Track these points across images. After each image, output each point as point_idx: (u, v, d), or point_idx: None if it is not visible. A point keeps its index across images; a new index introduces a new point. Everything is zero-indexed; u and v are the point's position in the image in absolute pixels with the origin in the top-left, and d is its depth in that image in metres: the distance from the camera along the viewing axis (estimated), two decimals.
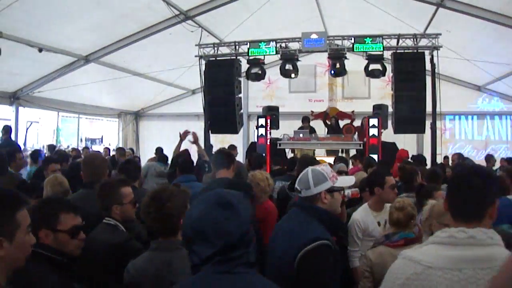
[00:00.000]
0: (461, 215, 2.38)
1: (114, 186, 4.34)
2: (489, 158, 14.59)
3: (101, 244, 3.85)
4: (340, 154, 15.07)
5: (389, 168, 8.92)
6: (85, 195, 5.05)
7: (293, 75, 16.00)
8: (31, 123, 18.55)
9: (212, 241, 2.18)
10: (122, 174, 6.23)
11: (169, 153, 11.10)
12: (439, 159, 14.34)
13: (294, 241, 3.36)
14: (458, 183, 2.50)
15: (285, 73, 15.84)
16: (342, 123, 16.82)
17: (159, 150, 14.30)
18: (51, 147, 15.82)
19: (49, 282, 3.00)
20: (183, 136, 9.95)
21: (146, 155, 19.32)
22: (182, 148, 9.85)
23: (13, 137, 14.13)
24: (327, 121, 17.26)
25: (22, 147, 14.39)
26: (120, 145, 21.80)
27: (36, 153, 11.79)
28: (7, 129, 13.15)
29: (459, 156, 14.22)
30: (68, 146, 19.34)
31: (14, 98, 16.37)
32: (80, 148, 17.22)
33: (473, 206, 2.37)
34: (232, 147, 13.48)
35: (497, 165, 14.08)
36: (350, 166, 11.89)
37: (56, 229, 3.17)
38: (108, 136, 25.22)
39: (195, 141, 9.67)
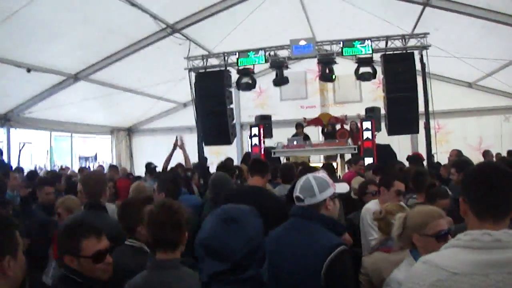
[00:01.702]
0: (491, 215, 2.26)
1: (138, 206, 4.29)
2: (486, 153, 14.52)
3: (127, 269, 3.66)
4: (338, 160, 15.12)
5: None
6: (89, 215, 4.98)
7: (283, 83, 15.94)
8: (24, 144, 18.46)
9: (218, 259, 2.14)
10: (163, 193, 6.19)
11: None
12: (441, 159, 14.23)
13: (314, 252, 3.28)
14: (485, 181, 2.34)
15: (279, 82, 15.78)
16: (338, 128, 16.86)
17: (148, 166, 14.30)
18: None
19: None
20: (178, 143, 10.01)
21: (140, 171, 19.25)
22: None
23: (5, 159, 14.07)
24: (325, 129, 17.28)
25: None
26: (114, 162, 21.76)
27: (32, 174, 11.71)
28: None
29: (457, 152, 14.16)
30: (61, 166, 19.18)
31: (5, 120, 16.26)
32: (75, 169, 16.96)
33: (503, 205, 2.28)
34: (229, 160, 13.43)
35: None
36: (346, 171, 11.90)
37: (79, 255, 3.16)
38: (102, 153, 25.14)
39: (181, 145, 9.69)
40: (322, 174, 3.75)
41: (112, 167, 15.46)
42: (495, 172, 2.35)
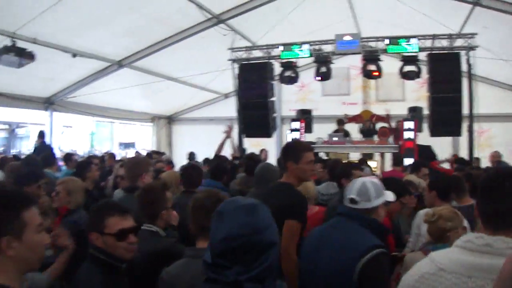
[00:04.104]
0: (490, 223, 2.17)
1: (160, 191, 4.32)
2: None
3: (145, 253, 3.78)
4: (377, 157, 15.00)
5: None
6: (126, 198, 5.00)
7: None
8: (66, 128, 18.72)
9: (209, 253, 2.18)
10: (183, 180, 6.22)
11: (202, 157, 11.12)
12: (483, 164, 14.00)
13: (352, 250, 3.28)
14: (488, 187, 2.25)
15: (322, 76, 15.65)
16: (378, 126, 16.64)
17: (191, 155, 14.29)
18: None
19: (93, 282, 3.14)
20: (228, 133, 10.03)
21: (178, 159, 19.35)
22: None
23: (47, 141, 14.25)
24: (365, 126, 17.10)
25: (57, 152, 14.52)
26: (154, 149, 21.92)
27: (68, 156, 11.81)
28: (41, 134, 13.37)
29: (496, 154, 13.89)
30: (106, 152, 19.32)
31: (49, 103, 16.56)
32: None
33: (503, 214, 2.14)
34: (262, 151, 13.41)
35: None
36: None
37: (103, 232, 3.26)
38: (141, 140, 25.38)
39: (229, 134, 9.69)
40: (377, 179, 3.76)
41: (155, 153, 15.46)
42: (497, 179, 2.23)
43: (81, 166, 8.23)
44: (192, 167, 6.75)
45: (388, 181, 4.77)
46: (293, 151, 4.89)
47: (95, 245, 3.25)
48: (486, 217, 2.21)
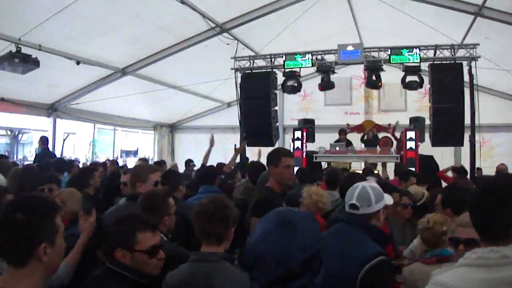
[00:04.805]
0: (487, 235, 2.17)
1: (163, 197, 4.30)
2: None
3: None
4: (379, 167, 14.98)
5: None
6: (128, 207, 4.99)
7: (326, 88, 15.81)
8: (68, 135, 18.76)
9: (271, 267, 1.93)
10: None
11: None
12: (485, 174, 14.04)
13: (353, 258, 3.29)
14: (474, 202, 2.25)
15: (325, 86, 15.69)
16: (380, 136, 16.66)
17: (188, 162, 14.29)
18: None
19: None
20: (211, 142, 10.13)
21: (181, 167, 19.40)
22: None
23: (50, 148, 14.27)
24: (365, 136, 17.14)
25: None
26: (155, 158, 21.95)
27: (71, 163, 11.84)
28: (43, 140, 13.38)
29: (502, 166, 13.90)
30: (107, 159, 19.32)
31: (52, 110, 16.58)
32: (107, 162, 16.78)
33: (491, 227, 2.16)
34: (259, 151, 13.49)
35: None
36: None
37: (133, 249, 3.08)
38: (143, 148, 25.42)
39: (212, 143, 9.87)
40: (376, 184, 3.77)
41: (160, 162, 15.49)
42: (483, 195, 2.23)
43: (84, 173, 8.23)
44: (169, 173, 6.78)
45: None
46: (273, 156, 5.14)
47: (120, 262, 3.06)
48: (480, 230, 2.22)
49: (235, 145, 10.44)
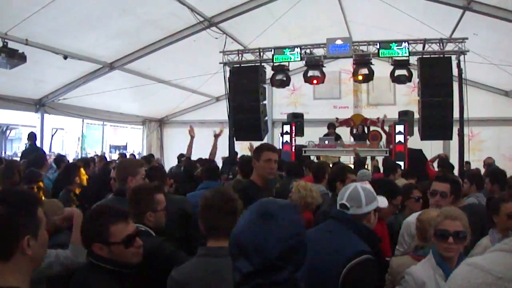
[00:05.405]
0: None
1: (148, 192, 4.25)
2: None
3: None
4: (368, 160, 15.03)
5: None
6: (115, 202, 4.95)
7: (315, 82, 15.78)
8: (56, 130, 18.67)
9: (251, 257, 1.93)
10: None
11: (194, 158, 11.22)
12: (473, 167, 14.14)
13: (338, 254, 3.29)
14: None
15: (308, 80, 15.66)
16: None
17: (181, 157, 14.27)
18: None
19: None
20: (191, 133, 10.13)
21: (170, 162, 19.33)
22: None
23: (38, 144, 14.19)
24: (354, 130, 17.17)
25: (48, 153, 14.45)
26: (144, 153, 21.89)
27: (59, 158, 11.77)
28: (31, 136, 13.29)
29: (490, 160, 14.10)
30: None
31: (40, 105, 16.51)
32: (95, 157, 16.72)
33: None
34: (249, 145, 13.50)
35: None
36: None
37: (108, 242, 3.11)
38: (132, 143, 25.35)
39: (191, 134, 9.89)
40: (369, 185, 3.78)
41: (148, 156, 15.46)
42: None
43: (68, 170, 8.15)
44: (154, 169, 6.74)
45: (379, 184, 4.75)
46: (256, 150, 5.42)
47: (99, 256, 3.10)
48: None
49: (214, 131, 10.36)
